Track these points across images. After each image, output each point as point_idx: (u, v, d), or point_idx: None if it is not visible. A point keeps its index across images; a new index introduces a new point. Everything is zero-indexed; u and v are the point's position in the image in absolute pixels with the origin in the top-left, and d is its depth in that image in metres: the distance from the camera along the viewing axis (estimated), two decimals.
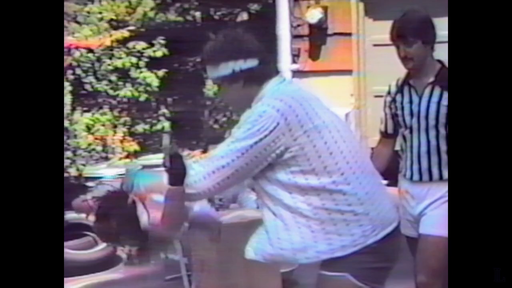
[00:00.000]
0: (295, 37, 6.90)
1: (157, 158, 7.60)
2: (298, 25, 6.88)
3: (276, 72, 2.63)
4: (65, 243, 6.10)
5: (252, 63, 2.53)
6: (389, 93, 3.59)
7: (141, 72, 7.90)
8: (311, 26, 6.79)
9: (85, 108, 7.74)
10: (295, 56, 6.86)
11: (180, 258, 5.50)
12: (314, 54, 6.83)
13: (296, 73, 6.84)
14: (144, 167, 7.21)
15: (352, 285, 2.47)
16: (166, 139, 2.59)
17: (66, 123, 6.46)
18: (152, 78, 7.86)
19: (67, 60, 7.48)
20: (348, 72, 6.59)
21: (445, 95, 3.31)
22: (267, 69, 2.58)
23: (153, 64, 7.93)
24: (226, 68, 2.52)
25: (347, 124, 2.49)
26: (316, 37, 6.81)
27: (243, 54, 2.52)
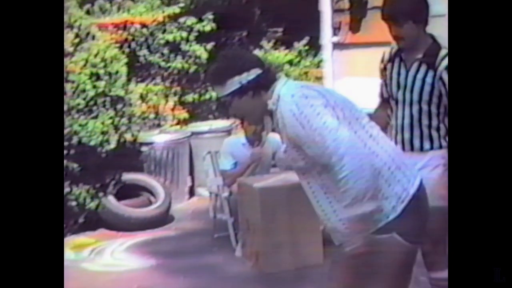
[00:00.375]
0: (336, 11, 6.79)
1: (205, 125, 7.65)
2: (339, 0, 6.78)
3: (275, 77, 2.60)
4: (123, 201, 6.20)
5: (255, 72, 2.50)
6: (382, 60, 3.48)
7: (191, 45, 7.88)
8: (351, 0, 6.68)
9: (139, 79, 7.79)
10: (336, 29, 6.77)
11: (227, 217, 5.51)
12: (354, 27, 6.71)
13: (337, 45, 6.76)
14: (193, 133, 7.26)
15: (398, 244, 2.43)
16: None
17: (122, 93, 6.49)
18: (201, 51, 7.84)
19: (123, 35, 7.50)
20: (387, 44, 6.45)
21: (430, 73, 3.18)
22: (270, 74, 2.58)
23: (202, 38, 7.90)
24: (233, 83, 2.49)
25: None
26: (357, 10, 6.68)
27: (246, 66, 2.50)
